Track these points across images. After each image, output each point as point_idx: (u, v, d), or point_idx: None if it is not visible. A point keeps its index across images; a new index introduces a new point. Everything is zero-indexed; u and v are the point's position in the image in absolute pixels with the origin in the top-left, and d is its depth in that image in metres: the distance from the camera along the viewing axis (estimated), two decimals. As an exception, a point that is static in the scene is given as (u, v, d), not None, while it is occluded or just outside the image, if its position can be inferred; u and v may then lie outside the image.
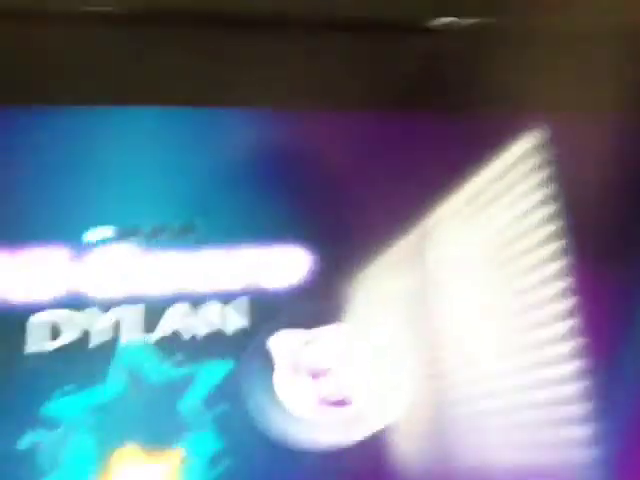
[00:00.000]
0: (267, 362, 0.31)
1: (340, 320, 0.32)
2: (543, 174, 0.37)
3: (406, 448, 0.30)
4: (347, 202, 0.36)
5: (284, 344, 0.31)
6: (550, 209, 0.36)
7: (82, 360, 0.30)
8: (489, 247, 0.35)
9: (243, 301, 0.32)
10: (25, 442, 0.28)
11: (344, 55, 0.39)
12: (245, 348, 0.31)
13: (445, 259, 0.34)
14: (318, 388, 0.31)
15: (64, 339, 0.30)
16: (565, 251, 0.34)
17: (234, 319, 0.32)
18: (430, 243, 0.35)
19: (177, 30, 0.38)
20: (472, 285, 0.34)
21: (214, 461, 0.28)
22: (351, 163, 0.37)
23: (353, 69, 0.39)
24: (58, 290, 0.31)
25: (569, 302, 0.33)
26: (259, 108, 0.38)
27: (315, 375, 0.31)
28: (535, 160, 0.37)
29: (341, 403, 0.31)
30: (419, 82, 0.39)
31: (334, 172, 0.37)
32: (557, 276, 0.34)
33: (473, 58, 0.39)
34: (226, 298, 0.32)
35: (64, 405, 0.28)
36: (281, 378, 0.31)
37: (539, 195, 0.36)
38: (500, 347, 0.32)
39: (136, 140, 0.36)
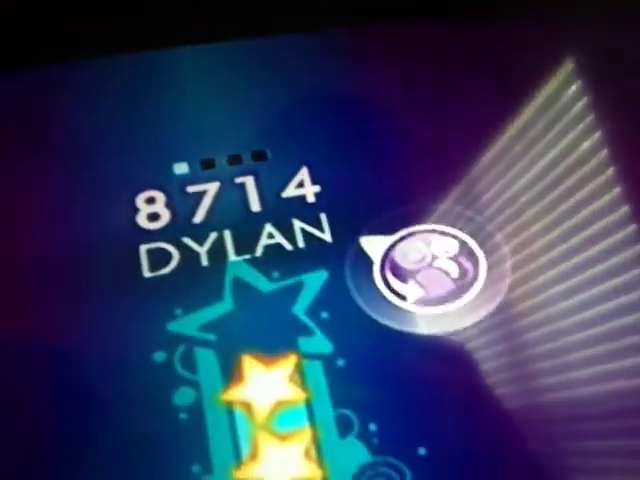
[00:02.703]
0: (365, 264, 0.32)
1: (417, 223, 0.34)
2: (582, 103, 0.37)
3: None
4: (396, 116, 0.38)
5: (376, 245, 0.33)
6: (595, 139, 0.36)
7: (197, 280, 0.31)
8: (540, 186, 0.35)
9: (327, 215, 0.34)
10: (159, 356, 0.29)
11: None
12: (340, 255, 0.32)
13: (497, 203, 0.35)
14: (415, 285, 0.32)
15: (176, 262, 0.32)
16: (617, 179, 0.35)
17: (324, 232, 0.33)
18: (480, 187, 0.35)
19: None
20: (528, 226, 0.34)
21: (329, 361, 0.30)
22: (398, 79, 0.38)
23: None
24: (158, 221, 0.33)
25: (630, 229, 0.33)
26: (315, 31, 0.39)
27: (410, 273, 0.32)
28: (572, 89, 0.38)
29: (440, 300, 0.32)
30: None
31: (381, 89, 0.38)
32: (612, 206, 0.34)
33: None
34: (309, 214, 0.34)
35: (187, 321, 0.30)
36: (380, 277, 0.32)
37: (582, 126, 0.36)
38: (565, 285, 0.32)
39: (201, 78, 0.38)
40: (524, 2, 0.39)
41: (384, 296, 0.32)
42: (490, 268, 0.33)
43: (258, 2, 0.39)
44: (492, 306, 0.32)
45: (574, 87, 0.38)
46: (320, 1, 0.39)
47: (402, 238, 0.33)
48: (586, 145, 0.36)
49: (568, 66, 0.38)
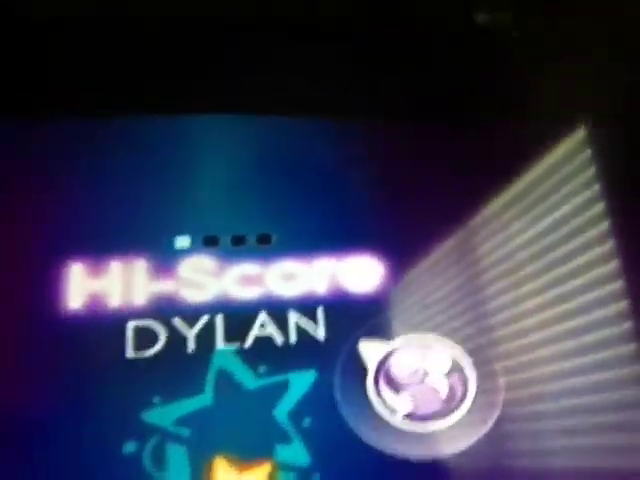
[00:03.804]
0: (357, 370, 0.31)
1: (417, 330, 0.33)
2: (586, 174, 0.37)
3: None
4: (405, 209, 0.37)
5: (372, 352, 0.32)
6: (596, 210, 0.36)
7: (180, 366, 0.30)
8: (536, 250, 0.35)
9: (324, 309, 0.33)
10: (129, 447, 0.28)
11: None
12: (332, 356, 0.31)
13: (493, 262, 0.35)
14: (406, 399, 0.31)
15: (161, 345, 0.31)
16: (615, 253, 0.34)
17: (318, 328, 0.32)
18: (477, 246, 0.35)
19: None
20: (520, 288, 0.34)
21: (305, 473, 0.29)
22: (404, 172, 0.38)
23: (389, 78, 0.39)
24: (148, 298, 0.32)
25: (621, 305, 0.33)
26: (323, 118, 0.38)
27: (402, 386, 0.32)
28: (577, 161, 0.37)
29: (428, 417, 0.31)
30: (455, 89, 0.39)
31: (390, 181, 0.37)
32: (608, 278, 0.34)
33: (505, 62, 0.39)
34: (306, 307, 0.33)
35: (163, 412, 0.29)
36: (372, 386, 0.31)
37: (584, 196, 0.36)
38: (552, 350, 0.32)
39: (211, 149, 0.36)
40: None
41: (373, 407, 0.31)
42: (481, 391, 0.32)
43: (273, 79, 0.39)
44: (478, 433, 0.31)
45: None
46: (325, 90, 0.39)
47: (399, 347, 0.32)
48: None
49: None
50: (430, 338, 0.33)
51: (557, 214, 0.36)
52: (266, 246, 0.34)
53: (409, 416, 0.31)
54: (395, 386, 0.31)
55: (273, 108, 0.38)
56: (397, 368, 0.32)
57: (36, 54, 0.36)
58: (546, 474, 0.30)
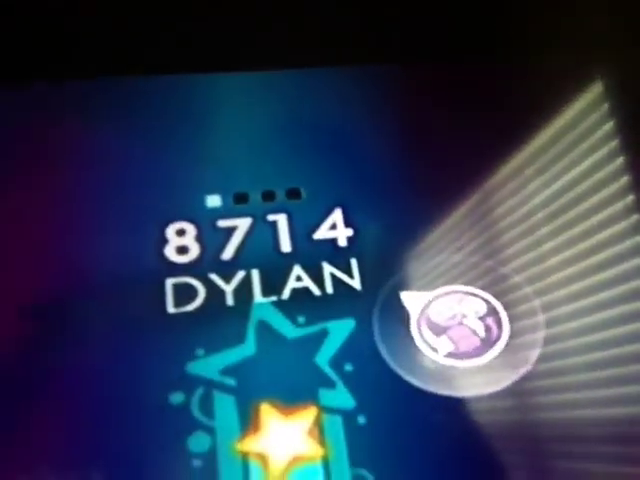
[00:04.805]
0: (397, 316, 0.32)
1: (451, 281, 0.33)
2: (607, 126, 0.36)
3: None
4: (434, 159, 0.37)
5: (414, 300, 0.33)
6: (617, 163, 0.35)
7: (221, 320, 0.31)
8: (556, 206, 0.35)
9: (355, 260, 0.33)
10: (177, 398, 0.29)
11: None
12: (369, 304, 0.32)
13: (510, 219, 0.35)
14: (446, 340, 0.32)
15: (202, 299, 0.31)
16: (635, 207, 0.34)
17: (353, 278, 0.33)
18: (494, 202, 0.35)
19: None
20: (540, 244, 0.34)
21: (350, 416, 0.29)
22: (430, 121, 0.37)
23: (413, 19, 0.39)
24: (183, 256, 0.32)
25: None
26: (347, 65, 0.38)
27: (442, 329, 0.32)
28: (598, 112, 0.37)
29: (468, 354, 0.32)
30: (474, 30, 0.39)
31: (418, 130, 0.37)
32: (628, 233, 0.34)
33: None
34: (340, 258, 0.34)
35: (208, 363, 0.30)
36: (416, 329, 0.32)
37: (605, 149, 0.36)
38: (574, 307, 0.33)
39: (234, 106, 0.37)
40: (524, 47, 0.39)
41: (416, 348, 0.31)
42: (517, 332, 0.32)
43: (302, 32, 0.39)
44: (517, 372, 0.31)
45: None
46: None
47: (437, 296, 0.33)
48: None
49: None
50: (464, 286, 0.33)
51: (580, 167, 0.36)
52: (297, 201, 0.35)
53: (450, 355, 0.31)
54: (436, 329, 0.32)
55: (294, 60, 0.38)
56: (436, 314, 0.33)
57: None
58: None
